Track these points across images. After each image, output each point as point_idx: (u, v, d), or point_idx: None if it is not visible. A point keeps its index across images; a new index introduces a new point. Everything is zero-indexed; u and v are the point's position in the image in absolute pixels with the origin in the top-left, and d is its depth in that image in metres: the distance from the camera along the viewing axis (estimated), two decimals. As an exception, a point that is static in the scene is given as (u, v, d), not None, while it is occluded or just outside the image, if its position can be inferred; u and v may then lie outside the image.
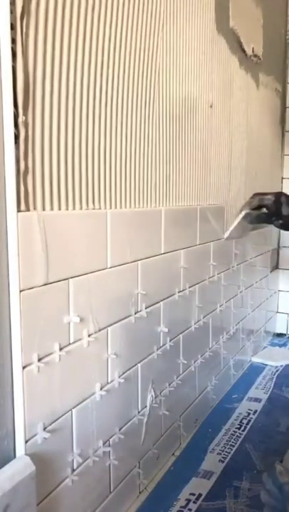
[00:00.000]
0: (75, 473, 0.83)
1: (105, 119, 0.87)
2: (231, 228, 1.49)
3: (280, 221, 1.42)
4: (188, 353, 1.27)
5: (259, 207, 1.44)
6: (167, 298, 1.13)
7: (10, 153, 0.65)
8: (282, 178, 2.24)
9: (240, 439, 1.32)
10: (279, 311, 2.31)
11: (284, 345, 2.15)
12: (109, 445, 0.93)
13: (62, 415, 0.79)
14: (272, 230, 2.12)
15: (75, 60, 0.77)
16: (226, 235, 1.47)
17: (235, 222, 1.49)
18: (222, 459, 1.22)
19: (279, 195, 1.42)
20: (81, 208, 0.82)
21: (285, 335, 2.28)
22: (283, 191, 1.52)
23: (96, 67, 0.83)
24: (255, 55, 1.68)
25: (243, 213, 1.47)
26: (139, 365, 1.03)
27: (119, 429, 0.97)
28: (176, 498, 1.07)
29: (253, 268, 1.85)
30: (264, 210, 1.44)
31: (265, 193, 1.45)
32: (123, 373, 0.96)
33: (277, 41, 2.03)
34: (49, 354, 0.75)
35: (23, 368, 0.70)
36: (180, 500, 1.06)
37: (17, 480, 0.67)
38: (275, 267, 2.26)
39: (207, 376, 1.44)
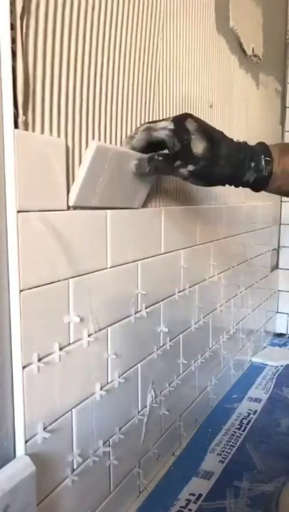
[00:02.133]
0: (75, 473, 0.83)
1: (105, 120, 0.87)
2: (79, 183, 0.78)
3: (190, 166, 0.81)
4: (188, 353, 1.27)
5: (150, 146, 0.84)
6: (167, 298, 1.13)
7: (10, 154, 0.65)
8: (282, 178, 2.23)
9: (240, 439, 1.32)
10: (279, 311, 2.31)
11: (284, 345, 2.15)
12: (109, 445, 0.93)
13: (63, 415, 0.79)
14: (272, 229, 2.12)
15: (75, 60, 0.77)
16: (72, 198, 0.77)
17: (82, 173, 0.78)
18: (222, 459, 1.22)
19: (182, 119, 0.82)
20: (81, 208, 0.82)
21: (285, 335, 2.28)
22: (188, 112, 0.91)
23: (96, 67, 0.83)
24: (255, 55, 1.68)
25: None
26: (139, 365, 1.03)
27: (119, 429, 0.97)
28: (176, 498, 1.07)
29: (253, 268, 1.85)
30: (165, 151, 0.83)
31: (157, 120, 0.84)
32: (123, 373, 0.96)
33: (277, 41, 2.03)
34: (49, 354, 0.75)
35: (23, 367, 0.70)
36: (180, 500, 1.06)
37: (17, 480, 0.67)
38: (275, 267, 2.26)
39: (207, 376, 1.44)
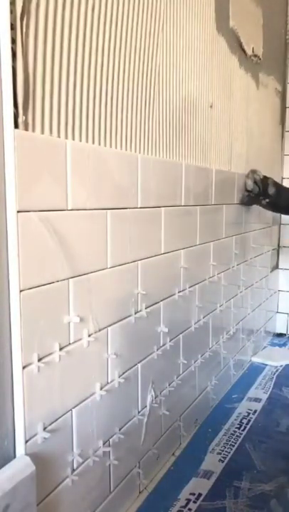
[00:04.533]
0: (75, 473, 0.83)
1: (105, 120, 0.87)
2: None
3: (267, 200, 1.60)
4: (188, 353, 1.27)
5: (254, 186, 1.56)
6: (167, 298, 1.13)
7: (10, 153, 0.65)
8: (282, 178, 2.24)
9: (240, 439, 1.32)
10: (279, 311, 2.31)
11: (284, 345, 2.15)
12: (109, 445, 0.93)
13: (62, 415, 0.79)
14: (272, 229, 2.12)
15: (75, 60, 0.77)
16: None
17: None
18: (222, 459, 1.22)
19: (267, 177, 1.62)
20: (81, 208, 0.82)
21: (285, 335, 2.28)
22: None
23: (96, 67, 0.83)
24: (255, 55, 1.68)
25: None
26: (139, 365, 1.03)
27: (119, 429, 0.97)
28: (176, 498, 1.07)
29: (253, 268, 1.85)
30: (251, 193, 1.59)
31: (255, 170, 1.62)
32: (123, 373, 0.96)
33: (277, 41, 2.03)
34: (49, 354, 0.75)
35: (23, 367, 0.70)
36: (180, 500, 1.06)
37: (17, 480, 0.67)
38: (275, 267, 2.26)
39: (207, 376, 1.44)
